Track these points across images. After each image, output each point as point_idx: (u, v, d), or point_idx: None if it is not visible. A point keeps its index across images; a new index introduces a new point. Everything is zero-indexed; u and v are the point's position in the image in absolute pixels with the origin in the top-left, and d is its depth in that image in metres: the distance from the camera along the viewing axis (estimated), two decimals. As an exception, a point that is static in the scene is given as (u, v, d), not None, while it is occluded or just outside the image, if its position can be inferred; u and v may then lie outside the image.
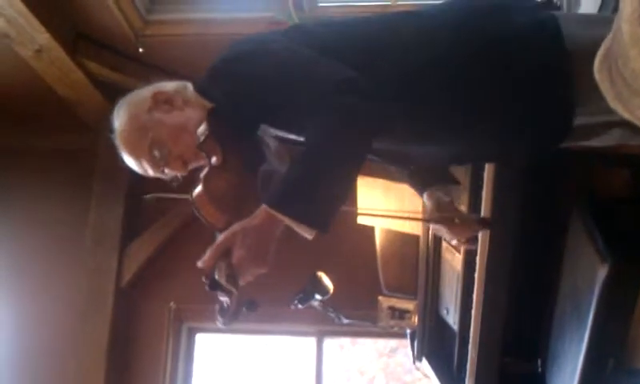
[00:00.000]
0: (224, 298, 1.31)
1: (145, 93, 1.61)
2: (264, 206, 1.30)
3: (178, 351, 4.41)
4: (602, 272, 2.04)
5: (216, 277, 1.30)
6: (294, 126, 1.51)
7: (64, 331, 4.20)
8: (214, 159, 1.47)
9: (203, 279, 1.31)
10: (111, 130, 1.61)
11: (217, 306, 1.34)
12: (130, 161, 1.60)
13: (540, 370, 2.66)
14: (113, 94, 3.74)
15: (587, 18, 2.05)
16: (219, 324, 1.33)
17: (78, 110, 3.91)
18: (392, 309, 3.47)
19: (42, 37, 3.26)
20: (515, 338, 2.60)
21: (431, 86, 1.48)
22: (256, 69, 1.46)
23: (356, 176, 1.38)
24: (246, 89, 1.46)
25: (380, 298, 3.52)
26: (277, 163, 1.56)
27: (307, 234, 1.29)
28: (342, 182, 1.34)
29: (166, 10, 3.63)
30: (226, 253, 1.31)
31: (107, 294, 4.21)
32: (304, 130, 1.41)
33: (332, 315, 3.39)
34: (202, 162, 1.54)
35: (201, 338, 4.62)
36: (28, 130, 4.33)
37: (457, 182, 2.11)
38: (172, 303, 4.30)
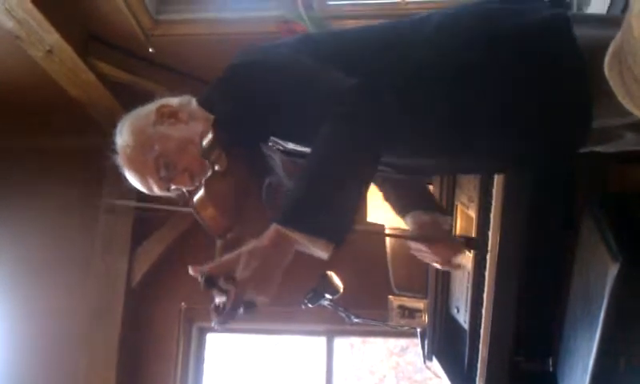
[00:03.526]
0: (220, 299, 1.23)
1: (149, 107, 1.59)
2: (274, 225, 1.23)
3: (189, 351, 4.43)
4: (613, 270, 2.02)
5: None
6: (297, 137, 1.48)
7: (75, 332, 4.22)
8: (217, 166, 1.45)
9: (199, 278, 1.24)
10: (113, 150, 1.58)
11: (212, 305, 1.25)
12: (134, 178, 1.56)
13: (551, 368, 2.64)
14: (124, 94, 3.83)
15: (598, 17, 2.04)
16: (214, 324, 1.25)
17: (88, 111, 3.93)
18: (402, 308, 3.46)
19: (53, 37, 3.28)
20: (526, 337, 2.59)
21: (441, 88, 1.45)
22: (259, 80, 1.44)
23: (368, 184, 1.34)
24: (249, 99, 1.44)
25: (390, 297, 3.51)
26: (284, 177, 1.53)
27: (323, 251, 1.24)
28: (352, 191, 1.29)
29: (175, 10, 3.65)
30: (228, 273, 1.22)
31: (118, 296, 4.23)
32: (307, 140, 1.39)
33: (342, 314, 3.39)
34: (209, 175, 1.51)
35: (211, 338, 4.64)
36: (38, 130, 4.35)
37: (444, 212, 2.02)
38: (182, 304, 4.32)
